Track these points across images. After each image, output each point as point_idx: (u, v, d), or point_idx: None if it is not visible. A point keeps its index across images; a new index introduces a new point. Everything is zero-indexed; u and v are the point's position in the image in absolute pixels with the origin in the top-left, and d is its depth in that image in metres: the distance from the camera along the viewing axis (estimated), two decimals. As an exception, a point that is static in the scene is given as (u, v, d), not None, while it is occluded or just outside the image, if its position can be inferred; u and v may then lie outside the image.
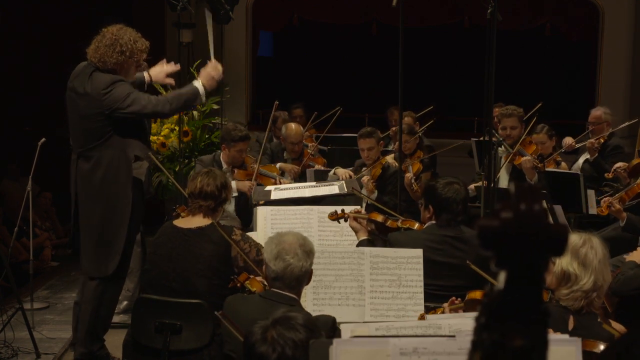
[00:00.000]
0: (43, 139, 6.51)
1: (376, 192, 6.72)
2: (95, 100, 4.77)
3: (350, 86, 13.00)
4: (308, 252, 3.54)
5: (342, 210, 4.75)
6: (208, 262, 4.14)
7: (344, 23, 12.41)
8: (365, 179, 6.73)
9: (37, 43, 10.15)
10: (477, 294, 3.90)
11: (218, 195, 4.32)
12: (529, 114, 7.12)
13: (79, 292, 5.11)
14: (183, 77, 7.62)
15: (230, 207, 6.57)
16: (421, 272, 4.06)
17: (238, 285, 4.10)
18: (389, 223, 4.70)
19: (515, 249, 1.15)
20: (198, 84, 5.02)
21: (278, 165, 6.68)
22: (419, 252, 4.10)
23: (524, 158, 6.57)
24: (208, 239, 4.20)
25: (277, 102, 7.13)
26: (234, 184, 6.31)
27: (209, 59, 5.29)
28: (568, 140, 7.54)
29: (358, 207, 5.00)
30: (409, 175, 7.01)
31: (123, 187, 4.85)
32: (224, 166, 6.56)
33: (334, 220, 4.76)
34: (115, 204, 4.86)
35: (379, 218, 4.71)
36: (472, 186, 6.56)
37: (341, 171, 6.74)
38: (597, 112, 7.78)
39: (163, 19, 10.58)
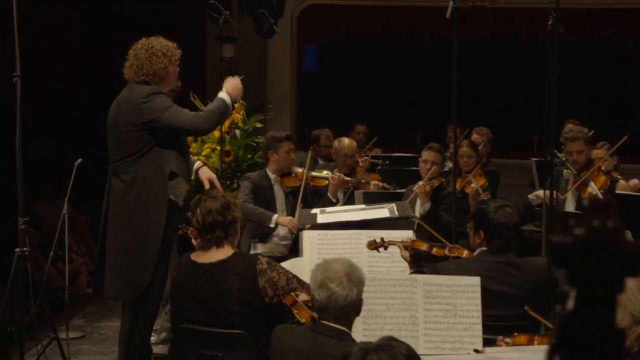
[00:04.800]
0: (80, 160, 6.57)
1: (430, 202, 6.68)
2: (134, 109, 4.91)
3: (401, 102, 12.97)
4: (355, 280, 3.50)
5: (382, 239, 4.69)
6: (235, 296, 4.09)
7: (394, 36, 12.41)
8: (420, 183, 6.71)
9: (77, 60, 10.26)
10: (522, 339, 3.79)
11: (223, 221, 4.20)
12: (615, 147, 6.87)
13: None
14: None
15: (284, 230, 6.57)
16: (479, 302, 4.01)
17: (283, 300, 4.07)
18: (434, 251, 4.62)
19: (588, 267, 1.13)
20: (223, 94, 5.21)
21: (275, 217, 6.53)
22: (476, 280, 4.05)
23: (593, 193, 6.20)
24: (232, 271, 4.14)
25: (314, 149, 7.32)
26: (274, 218, 6.32)
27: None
28: (634, 183, 7.14)
29: (407, 234, 4.96)
30: (473, 186, 6.95)
31: (158, 206, 4.90)
32: (272, 177, 6.62)
33: (372, 249, 4.69)
34: (149, 224, 4.90)
35: (423, 246, 4.63)
36: (537, 193, 6.41)
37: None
38: None
39: (204, 33, 10.67)
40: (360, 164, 8.06)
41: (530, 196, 6.65)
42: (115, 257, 4.96)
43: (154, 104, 4.89)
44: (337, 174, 6.87)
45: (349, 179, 6.99)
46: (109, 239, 4.99)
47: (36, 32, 8.00)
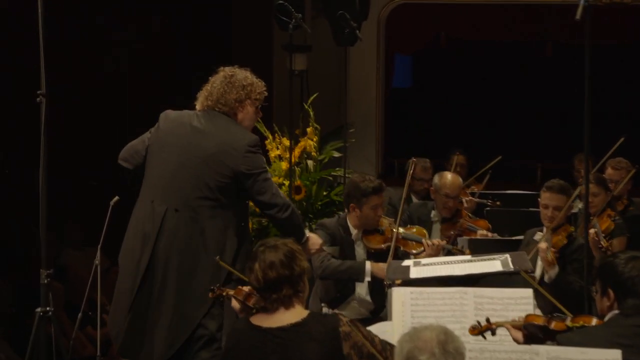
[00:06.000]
0: (116, 198, 6.63)
1: (557, 267, 6.56)
2: (234, 154, 5.23)
3: (516, 126, 12.89)
4: (451, 351, 3.47)
5: (488, 321, 4.65)
6: None
7: (506, 42, 12.36)
8: (543, 245, 6.58)
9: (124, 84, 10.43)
10: None
11: (290, 275, 4.22)
12: None
13: None
14: (295, 115, 7.71)
15: (362, 288, 6.59)
16: (620, 382, 3.95)
17: None
18: (553, 325, 4.57)
19: None
20: (308, 234, 5.64)
21: (369, 267, 6.49)
22: (616, 355, 3.98)
23: None
24: (309, 336, 4.14)
25: (414, 159, 7.26)
26: (368, 268, 6.37)
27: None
28: None
29: (524, 294, 4.91)
30: (592, 231, 6.75)
31: (226, 262, 5.14)
32: (353, 231, 6.63)
33: (476, 334, 4.63)
34: (213, 280, 5.11)
35: (540, 321, 4.58)
36: None
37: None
38: None
39: (270, 41, 10.75)
40: (465, 204, 7.99)
41: None
42: (164, 311, 5.28)
43: (257, 159, 5.31)
44: (435, 240, 6.77)
45: (450, 246, 6.89)
46: (157, 291, 5.29)
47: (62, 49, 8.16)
